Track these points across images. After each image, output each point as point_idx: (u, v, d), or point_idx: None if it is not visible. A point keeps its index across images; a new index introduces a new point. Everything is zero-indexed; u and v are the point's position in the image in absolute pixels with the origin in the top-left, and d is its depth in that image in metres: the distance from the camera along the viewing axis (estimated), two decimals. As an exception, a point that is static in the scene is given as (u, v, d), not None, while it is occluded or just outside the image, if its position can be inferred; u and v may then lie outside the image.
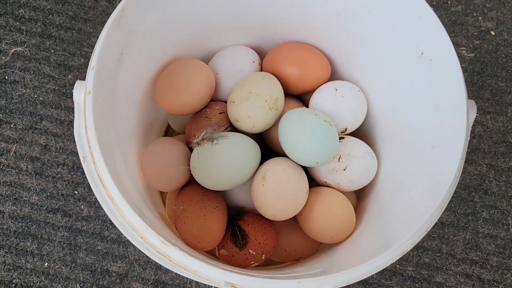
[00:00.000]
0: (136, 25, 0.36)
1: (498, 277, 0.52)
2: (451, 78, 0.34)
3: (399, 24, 0.38)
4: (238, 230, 0.42)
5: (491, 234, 0.53)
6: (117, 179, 0.30)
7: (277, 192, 0.40)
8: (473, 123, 0.57)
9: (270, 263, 0.47)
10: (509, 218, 0.54)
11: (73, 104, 0.54)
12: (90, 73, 0.31)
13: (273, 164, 0.42)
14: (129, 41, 0.36)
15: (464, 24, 0.61)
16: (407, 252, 0.52)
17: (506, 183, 0.55)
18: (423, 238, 0.53)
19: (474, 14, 0.61)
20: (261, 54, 0.49)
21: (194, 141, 0.40)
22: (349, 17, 0.41)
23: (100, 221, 0.50)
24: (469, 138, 0.33)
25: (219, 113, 0.44)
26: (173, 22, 0.41)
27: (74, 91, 0.32)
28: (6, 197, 0.51)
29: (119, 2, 0.57)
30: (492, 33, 0.61)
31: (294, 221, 0.45)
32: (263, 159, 0.43)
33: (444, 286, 0.51)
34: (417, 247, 0.52)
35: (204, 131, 0.40)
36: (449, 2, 0.62)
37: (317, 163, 0.41)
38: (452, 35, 0.60)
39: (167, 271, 0.50)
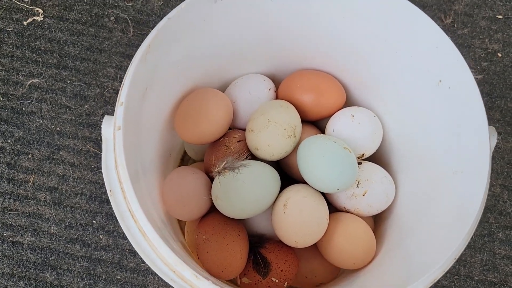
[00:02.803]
0: (160, 60, 0.37)
1: (517, 298, 0.52)
2: (471, 105, 0.34)
3: (416, 52, 0.38)
4: (260, 258, 0.42)
5: (508, 255, 0.53)
6: (148, 214, 0.30)
7: (299, 220, 0.40)
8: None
9: (289, 289, 0.47)
10: (525, 238, 0.54)
11: (90, 134, 0.55)
12: (119, 109, 0.32)
13: (294, 191, 0.42)
14: (153, 75, 0.37)
15: (471, 47, 0.62)
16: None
17: (520, 203, 0.55)
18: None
19: (481, 37, 0.62)
20: (276, 81, 0.49)
21: (216, 170, 0.40)
22: (365, 46, 0.42)
23: (119, 250, 0.51)
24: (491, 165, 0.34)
25: (238, 141, 0.45)
26: (194, 55, 0.41)
27: (102, 126, 0.33)
28: (25, 228, 0.51)
29: (133, 32, 0.59)
30: (499, 54, 0.62)
31: (314, 247, 0.45)
32: (281, 186, 0.43)
33: (464, 309, 0.51)
34: (435, 270, 0.52)
35: (225, 160, 0.40)
36: (455, 25, 0.63)
37: (338, 189, 0.41)
38: (460, 57, 0.61)
39: (186, 299, 0.50)
